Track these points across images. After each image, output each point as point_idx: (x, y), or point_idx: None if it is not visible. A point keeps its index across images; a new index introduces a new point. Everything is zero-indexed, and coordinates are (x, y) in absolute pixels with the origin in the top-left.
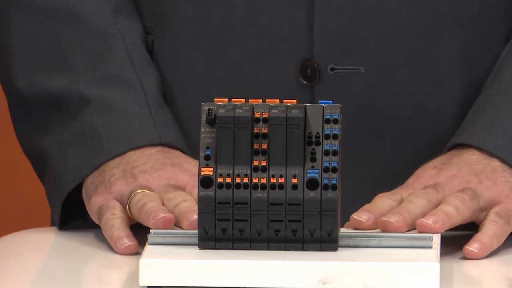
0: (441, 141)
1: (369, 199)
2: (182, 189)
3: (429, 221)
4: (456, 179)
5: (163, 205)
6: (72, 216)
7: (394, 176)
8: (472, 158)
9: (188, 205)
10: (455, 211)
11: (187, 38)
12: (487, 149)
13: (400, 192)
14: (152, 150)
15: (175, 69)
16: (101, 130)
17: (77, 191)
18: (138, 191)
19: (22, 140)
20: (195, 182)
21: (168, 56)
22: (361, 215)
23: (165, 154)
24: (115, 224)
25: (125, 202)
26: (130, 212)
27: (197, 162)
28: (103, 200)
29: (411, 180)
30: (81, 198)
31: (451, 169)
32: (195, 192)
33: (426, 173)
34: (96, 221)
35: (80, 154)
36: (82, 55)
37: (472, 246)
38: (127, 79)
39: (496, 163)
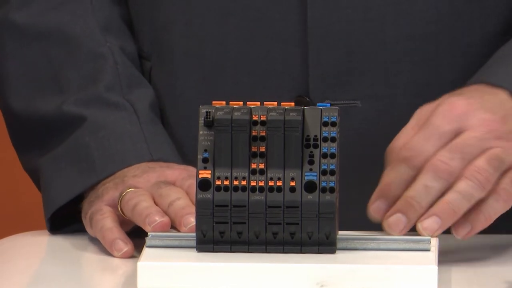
0: None
1: (367, 228)
2: (173, 184)
3: (430, 227)
4: (487, 126)
5: (154, 202)
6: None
7: None
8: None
9: (182, 205)
10: (465, 203)
11: (182, 69)
12: None
13: (418, 148)
14: (143, 164)
15: (170, 98)
16: (93, 150)
17: (70, 204)
18: (128, 190)
19: (20, 158)
20: (185, 175)
21: (164, 85)
22: (379, 205)
23: (156, 163)
24: (105, 224)
25: (116, 205)
26: (123, 213)
27: (188, 166)
28: (95, 208)
29: (440, 110)
30: (76, 209)
31: (485, 109)
32: (186, 184)
33: (457, 104)
34: (91, 232)
35: (72, 172)
36: (74, 78)
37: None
38: (118, 102)
39: None
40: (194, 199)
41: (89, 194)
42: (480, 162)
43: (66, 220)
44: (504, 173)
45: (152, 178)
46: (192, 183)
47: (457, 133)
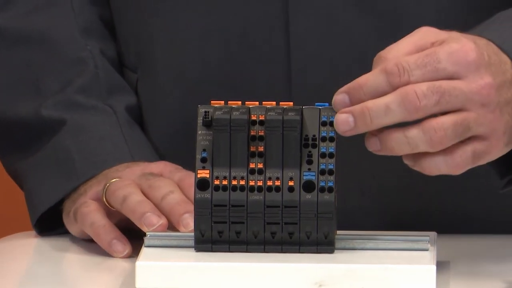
0: (428, 180)
1: (366, 228)
2: (160, 175)
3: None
4: (481, 89)
5: (143, 194)
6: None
7: (382, 209)
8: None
9: (177, 199)
10: (407, 149)
11: (164, 86)
12: None
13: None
14: (129, 163)
15: (154, 111)
16: (74, 153)
17: (55, 208)
18: (112, 180)
19: (2, 161)
20: (171, 168)
21: (148, 99)
22: (344, 98)
23: (139, 162)
24: (95, 220)
25: (100, 197)
26: (109, 204)
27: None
28: (79, 203)
29: (450, 47)
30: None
31: (490, 70)
32: (176, 176)
33: (469, 49)
34: (75, 227)
35: (53, 177)
36: (54, 82)
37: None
38: (97, 106)
39: None
40: (186, 193)
41: (70, 195)
42: (446, 120)
43: (54, 222)
44: (468, 140)
45: (137, 170)
46: (182, 176)
47: (451, 77)
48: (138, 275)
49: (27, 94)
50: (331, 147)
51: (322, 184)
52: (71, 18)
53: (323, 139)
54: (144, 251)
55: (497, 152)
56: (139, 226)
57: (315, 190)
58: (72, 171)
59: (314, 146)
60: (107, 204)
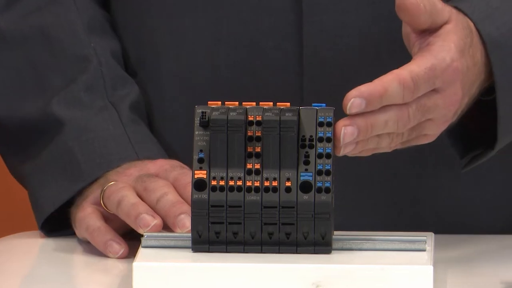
0: (424, 181)
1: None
2: (156, 176)
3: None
4: (453, 104)
5: (139, 196)
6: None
7: (379, 209)
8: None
9: (172, 201)
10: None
11: (170, 94)
12: (482, 32)
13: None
14: (130, 164)
15: (157, 121)
16: (78, 154)
17: (63, 210)
18: (108, 184)
19: (7, 163)
20: (167, 166)
21: (149, 106)
22: (361, 103)
23: (141, 161)
24: (90, 224)
25: (99, 202)
26: (107, 208)
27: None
28: (78, 208)
29: (448, 63)
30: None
31: (464, 81)
32: (171, 176)
33: (458, 68)
34: (78, 234)
35: (59, 179)
36: (58, 80)
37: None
38: (100, 104)
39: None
40: (181, 193)
41: (76, 200)
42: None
43: (61, 223)
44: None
45: (134, 172)
46: (177, 175)
47: (436, 89)
48: (135, 276)
49: (31, 93)
50: (328, 148)
51: (319, 184)
52: (75, 15)
53: (320, 139)
54: (141, 251)
55: (449, 106)
56: (135, 228)
57: (312, 191)
58: (78, 172)
59: (311, 146)
60: (106, 209)
